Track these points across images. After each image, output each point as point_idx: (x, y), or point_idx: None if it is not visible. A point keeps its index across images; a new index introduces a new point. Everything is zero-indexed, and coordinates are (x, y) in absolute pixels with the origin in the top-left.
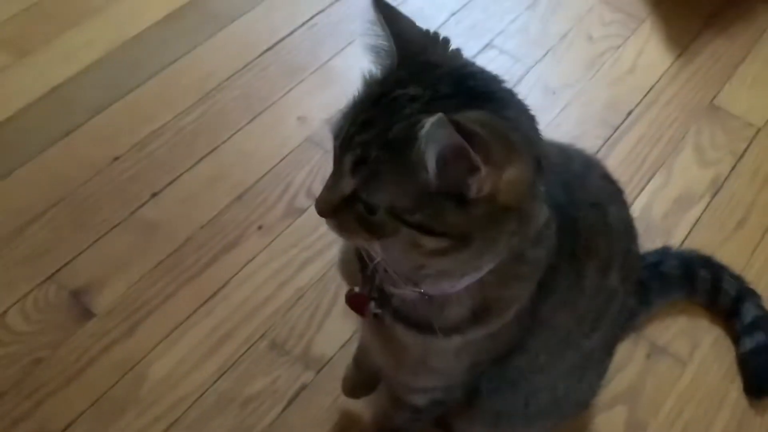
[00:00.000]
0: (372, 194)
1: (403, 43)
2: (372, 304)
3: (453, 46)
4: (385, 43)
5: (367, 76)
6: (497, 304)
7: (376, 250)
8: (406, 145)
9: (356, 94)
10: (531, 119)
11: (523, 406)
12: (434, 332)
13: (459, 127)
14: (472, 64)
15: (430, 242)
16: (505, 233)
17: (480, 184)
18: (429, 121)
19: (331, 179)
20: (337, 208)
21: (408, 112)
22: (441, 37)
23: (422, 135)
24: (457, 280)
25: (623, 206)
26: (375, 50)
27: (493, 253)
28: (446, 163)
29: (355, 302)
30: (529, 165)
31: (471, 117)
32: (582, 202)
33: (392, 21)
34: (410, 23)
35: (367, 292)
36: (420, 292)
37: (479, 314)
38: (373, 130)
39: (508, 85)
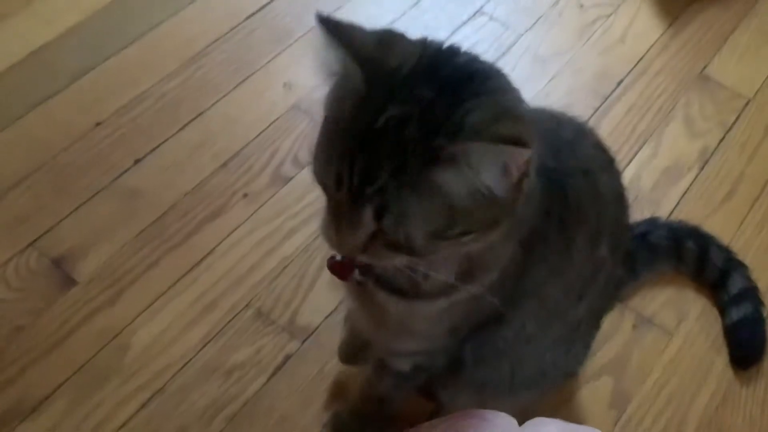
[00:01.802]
0: (407, 232)
1: (364, 59)
2: (356, 272)
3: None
4: (338, 64)
5: (330, 113)
6: (482, 266)
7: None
8: (430, 177)
9: (324, 133)
10: (509, 81)
11: (509, 376)
12: (418, 297)
13: (504, 140)
14: (430, 46)
15: (467, 239)
16: (519, 205)
17: (516, 174)
18: (473, 153)
19: (345, 222)
20: (364, 245)
21: (413, 146)
22: (392, 35)
23: (471, 166)
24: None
25: (615, 175)
26: (329, 73)
27: (511, 225)
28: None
29: (338, 269)
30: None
31: (503, 126)
32: (572, 168)
33: (347, 39)
34: (361, 33)
35: (350, 259)
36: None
37: (463, 277)
38: (383, 174)
39: (469, 51)
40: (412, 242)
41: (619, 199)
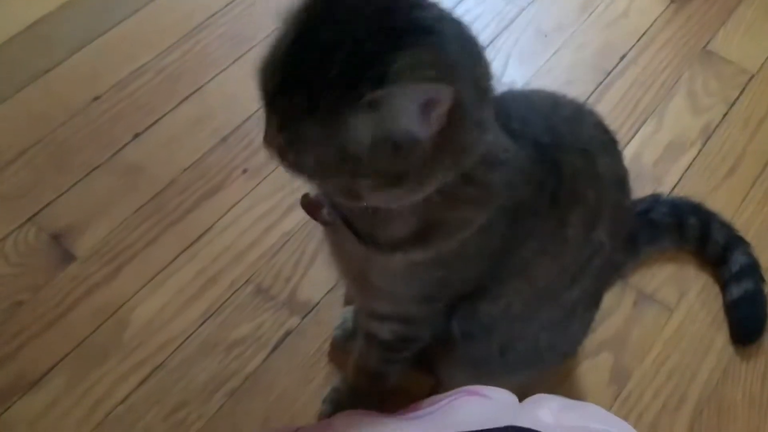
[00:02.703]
0: (298, 154)
1: None
2: (325, 210)
3: None
4: None
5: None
6: (443, 226)
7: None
8: (340, 116)
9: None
10: (466, 39)
11: (499, 355)
12: (374, 245)
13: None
14: None
15: (362, 183)
16: (440, 168)
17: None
18: (393, 96)
19: (266, 121)
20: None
21: (333, 79)
22: None
23: (391, 111)
24: (395, 204)
25: (617, 157)
26: None
27: (428, 186)
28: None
29: (308, 207)
30: (466, 93)
31: (425, 73)
32: (569, 146)
33: None
34: None
35: (321, 198)
36: (364, 206)
37: (423, 234)
38: (295, 95)
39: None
40: (301, 164)
41: (620, 182)
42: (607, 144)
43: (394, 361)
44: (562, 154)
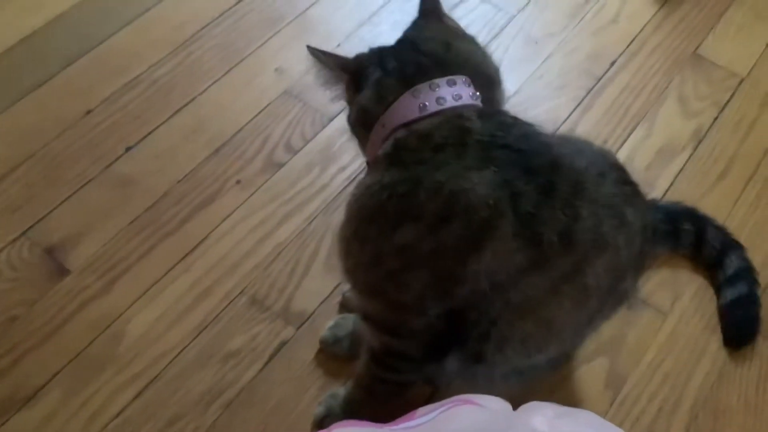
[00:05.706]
0: None
1: None
2: None
3: None
4: None
5: None
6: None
7: None
8: None
9: None
10: None
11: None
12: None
13: None
14: None
15: None
16: None
17: None
18: None
19: None
20: None
21: None
22: None
23: None
24: None
25: (641, 206)
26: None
27: None
28: None
29: None
30: None
31: None
32: (592, 200)
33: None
34: None
35: None
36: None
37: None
38: None
39: None
40: None
41: (645, 228)
42: (630, 196)
43: (383, 380)
44: (582, 202)
